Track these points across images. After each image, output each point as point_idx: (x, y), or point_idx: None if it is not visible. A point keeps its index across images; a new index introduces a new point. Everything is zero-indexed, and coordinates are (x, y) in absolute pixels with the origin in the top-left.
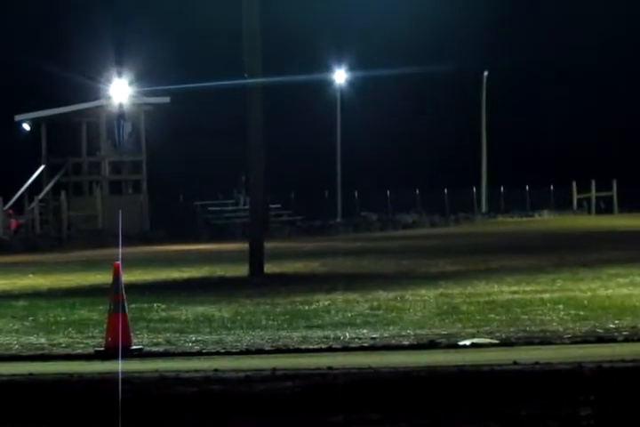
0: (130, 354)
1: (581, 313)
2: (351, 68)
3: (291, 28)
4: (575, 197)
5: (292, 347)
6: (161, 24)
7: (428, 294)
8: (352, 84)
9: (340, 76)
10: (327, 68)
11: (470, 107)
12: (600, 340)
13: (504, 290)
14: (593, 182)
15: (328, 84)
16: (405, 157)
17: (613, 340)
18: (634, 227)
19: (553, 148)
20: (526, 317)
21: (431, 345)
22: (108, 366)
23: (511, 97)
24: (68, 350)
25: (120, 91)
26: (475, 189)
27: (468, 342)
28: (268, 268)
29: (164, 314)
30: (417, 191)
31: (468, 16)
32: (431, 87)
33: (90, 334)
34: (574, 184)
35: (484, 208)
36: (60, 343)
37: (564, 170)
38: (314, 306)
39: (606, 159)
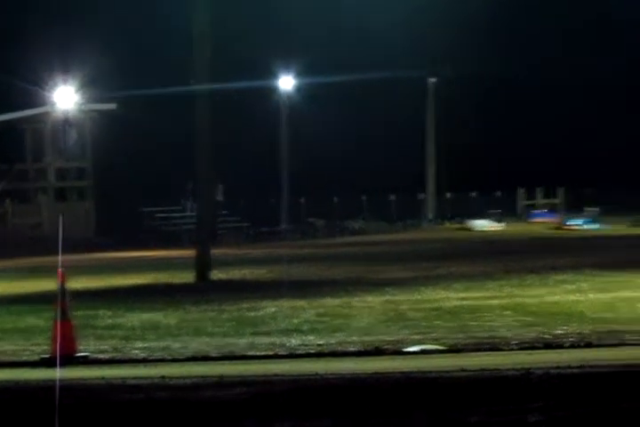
0: (75, 361)
1: (529, 319)
2: (298, 75)
3: (238, 35)
4: (521, 204)
5: (238, 354)
6: (109, 30)
7: (374, 300)
8: (299, 90)
9: (286, 83)
10: (274, 75)
11: (418, 114)
12: (548, 346)
13: (451, 296)
14: (539, 190)
15: (274, 90)
16: (352, 164)
17: (561, 346)
18: (579, 234)
19: (500, 155)
20: (474, 323)
21: (378, 352)
22: (54, 373)
23: (459, 104)
24: (14, 358)
25: (66, 97)
26: (421, 196)
27: (415, 349)
28: (215, 274)
29: (110, 321)
30: (364, 198)
31: (417, 23)
32: (379, 94)
33: (36, 342)
34: (520, 191)
35: (430, 215)
36: (6, 351)
37: (510, 177)
38: (260, 313)
39: (552, 167)
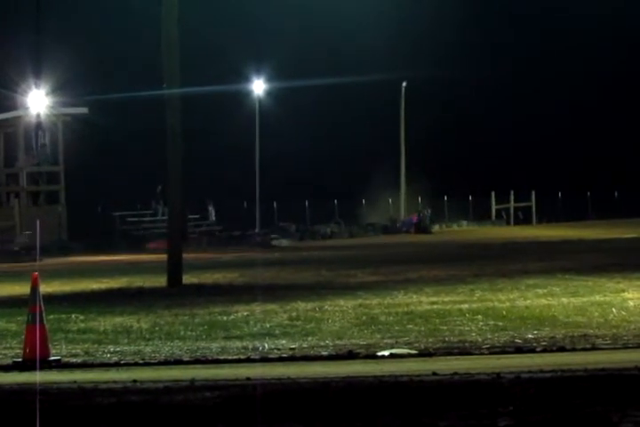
0: (48, 365)
1: (500, 324)
2: (270, 79)
3: (209, 38)
4: (494, 207)
5: (210, 358)
6: (81, 34)
7: (346, 304)
8: (270, 94)
9: (258, 87)
10: (246, 79)
11: (389, 117)
12: (519, 350)
13: (423, 300)
14: (512, 193)
15: (246, 94)
16: (324, 168)
17: (532, 350)
18: (551, 237)
19: (472, 158)
20: (445, 327)
21: (350, 356)
22: (26, 377)
23: (431, 108)
24: None
25: (38, 101)
26: (392, 200)
27: (386, 353)
28: (187, 278)
29: (82, 325)
30: (335, 202)
31: (389, 27)
32: (351, 97)
33: (8, 345)
34: (493, 195)
35: (402, 218)
36: None
37: (482, 181)
38: (232, 317)
39: (525, 170)
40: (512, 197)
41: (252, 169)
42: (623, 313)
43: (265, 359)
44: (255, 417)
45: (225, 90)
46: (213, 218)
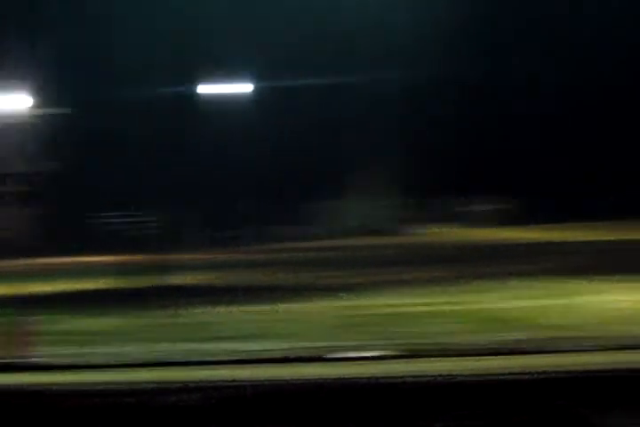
0: (29, 366)
1: (481, 326)
2: (252, 79)
3: (191, 37)
4: (473, 207)
5: (193, 359)
6: (57, 35)
7: (326, 305)
8: (253, 94)
9: (241, 88)
10: (228, 79)
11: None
12: (499, 352)
13: (405, 302)
14: (478, 194)
15: (220, 95)
16: (308, 169)
17: (513, 352)
18: (532, 240)
19: (437, 158)
20: (427, 329)
21: (328, 358)
22: (6, 378)
23: (394, 108)
24: None
25: (18, 102)
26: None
27: (368, 354)
28: (169, 279)
29: (63, 326)
30: (318, 203)
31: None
32: (331, 98)
33: None
34: (464, 194)
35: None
36: None
37: (467, 180)
38: (215, 318)
39: (490, 171)
40: (478, 199)
41: (237, 168)
42: (604, 315)
43: (253, 361)
44: (246, 418)
45: (204, 91)
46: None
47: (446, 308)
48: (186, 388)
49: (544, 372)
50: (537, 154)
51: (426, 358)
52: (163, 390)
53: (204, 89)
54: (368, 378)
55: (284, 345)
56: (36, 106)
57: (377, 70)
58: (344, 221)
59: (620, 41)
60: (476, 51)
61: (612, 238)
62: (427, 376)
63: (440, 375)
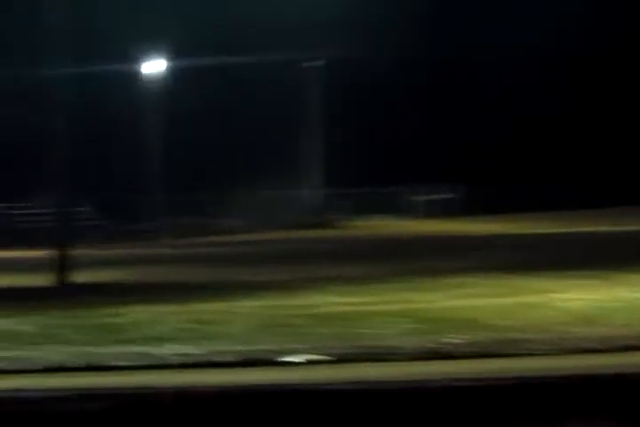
0: None
1: (420, 327)
2: (169, 58)
3: (105, 15)
4: (414, 198)
5: (100, 364)
6: None
7: (249, 305)
8: (170, 74)
9: (156, 66)
10: (143, 58)
11: (303, 100)
12: (440, 355)
13: (335, 301)
14: (429, 182)
15: (142, 74)
16: (230, 155)
17: (454, 356)
18: (478, 233)
19: (387, 142)
20: (360, 330)
21: (255, 362)
22: None
23: (345, 91)
24: None
25: None
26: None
27: (296, 359)
28: (74, 277)
29: None
30: (238, 193)
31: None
32: (259, 80)
33: None
34: (407, 184)
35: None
36: None
37: (400, 167)
38: (125, 319)
39: (445, 155)
40: (429, 187)
41: (147, 153)
42: (551, 314)
43: (161, 366)
44: None
45: (118, 69)
46: (89, 209)
47: (382, 307)
48: (86, 395)
49: (486, 378)
50: (486, 143)
51: (354, 363)
52: (57, 398)
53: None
54: (293, 384)
55: (203, 349)
56: None
57: (303, 50)
58: (277, 213)
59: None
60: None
61: (566, 230)
62: (354, 383)
63: (367, 382)
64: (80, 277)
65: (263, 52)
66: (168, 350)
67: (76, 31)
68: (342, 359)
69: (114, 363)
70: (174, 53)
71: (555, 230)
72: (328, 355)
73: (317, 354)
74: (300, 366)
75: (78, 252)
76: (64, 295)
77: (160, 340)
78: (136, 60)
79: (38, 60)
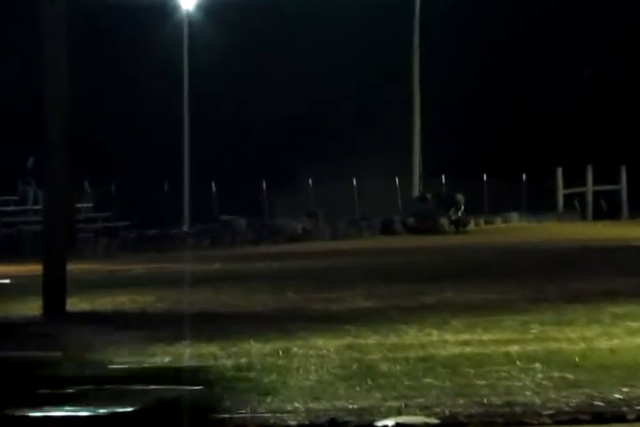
0: None
1: (570, 377)
2: None
3: None
4: (561, 192)
5: None
6: None
7: (327, 345)
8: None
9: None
10: None
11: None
12: (601, 418)
13: (448, 340)
14: (589, 170)
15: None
16: (290, 132)
17: (622, 418)
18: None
19: (522, 119)
20: (483, 382)
21: (334, 426)
22: None
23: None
24: None
25: None
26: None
27: (390, 423)
28: (74, 304)
29: None
30: (310, 184)
31: None
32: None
33: None
34: (559, 173)
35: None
36: None
37: (540, 152)
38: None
39: (609, 137)
40: (590, 177)
41: (176, 132)
42: None
43: None
44: None
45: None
46: (90, 204)
47: (516, 348)
48: None
49: None
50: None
51: None
52: None
53: None
54: None
55: (260, 407)
56: None
57: None
58: (366, 211)
59: None
60: None
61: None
62: None
63: None
64: (82, 303)
65: None
66: None
67: None
68: (457, 423)
69: None
70: None
71: None
72: (437, 417)
73: (424, 415)
74: None
75: (82, 267)
76: (56, 331)
77: None
78: None
79: None
